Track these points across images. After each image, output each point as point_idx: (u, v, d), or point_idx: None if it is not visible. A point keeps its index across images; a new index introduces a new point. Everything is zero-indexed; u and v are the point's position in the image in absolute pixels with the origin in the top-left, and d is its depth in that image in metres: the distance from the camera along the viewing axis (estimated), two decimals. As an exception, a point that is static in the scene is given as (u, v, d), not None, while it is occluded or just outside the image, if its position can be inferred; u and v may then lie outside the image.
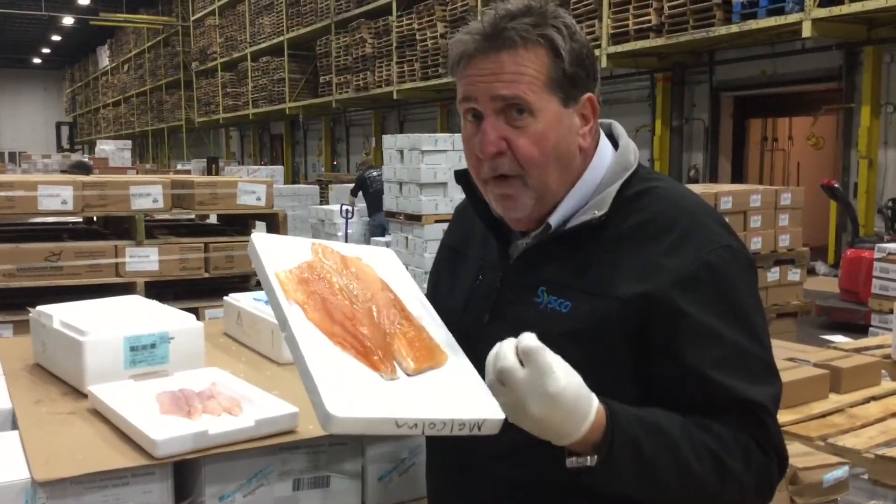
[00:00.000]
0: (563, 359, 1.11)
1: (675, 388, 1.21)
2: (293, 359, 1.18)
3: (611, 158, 1.35)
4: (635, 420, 1.15)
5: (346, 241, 11.65)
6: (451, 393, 1.19)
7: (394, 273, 1.47)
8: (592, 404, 1.11)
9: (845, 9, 8.82)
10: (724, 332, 1.21)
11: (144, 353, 1.65)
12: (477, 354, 1.32)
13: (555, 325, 1.25)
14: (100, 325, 1.66)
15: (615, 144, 1.38)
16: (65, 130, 41.26)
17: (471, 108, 1.30)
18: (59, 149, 35.69)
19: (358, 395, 1.12)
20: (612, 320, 1.22)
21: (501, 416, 1.15)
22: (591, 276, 1.26)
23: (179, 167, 23.65)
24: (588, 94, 1.30)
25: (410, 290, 1.44)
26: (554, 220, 1.31)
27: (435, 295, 1.53)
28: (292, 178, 23.96)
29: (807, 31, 9.14)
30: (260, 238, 1.40)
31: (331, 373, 1.14)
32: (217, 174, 17.44)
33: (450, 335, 1.35)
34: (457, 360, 1.29)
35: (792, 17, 9.30)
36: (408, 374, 1.23)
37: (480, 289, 1.40)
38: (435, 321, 1.38)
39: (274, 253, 1.37)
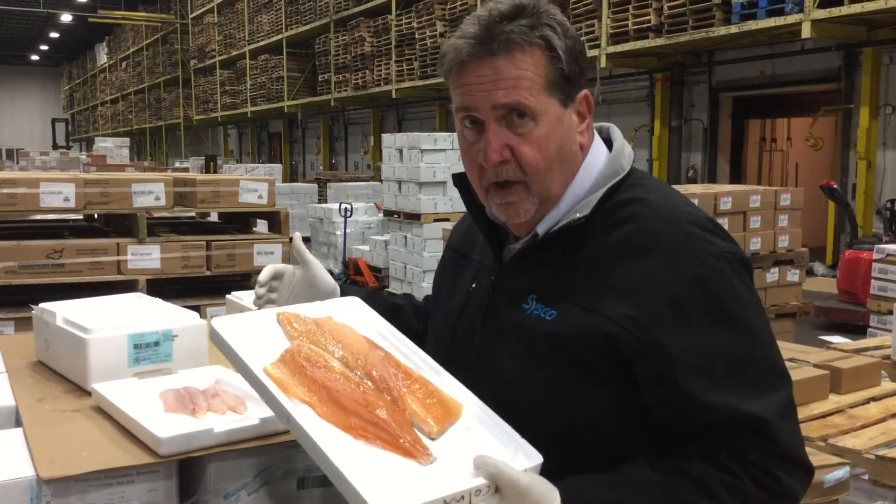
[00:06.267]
0: (544, 360, 1.17)
1: (671, 416, 1.20)
2: (317, 462, 1.14)
3: (603, 161, 1.33)
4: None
5: (345, 240, 11.62)
6: (482, 450, 1.14)
7: (370, 325, 1.43)
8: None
9: (845, 10, 8.81)
10: (721, 347, 1.19)
11: (148, 351, 1.64)
12: (470, 358, 1.34)
13: (538, 327, 1.26)
14: (103, 323, 1.65)
15: (610, 147, 1.37)
16: (60, 127, 41.12)
17: (469, 116, 1.27)
18: (55, 146, 35.59)
19: (398, 485, 1.09)
20: (595, 335, 1.21)
21: (539, 459, 1.15)
22: (578, 288, 1.25)
23: (177, 165, 23.62)
24: (584, 91, 1.29)
25: (394, 339, 1.40)
26: (541, 228, 1.31)
27: (438, 298, 1.54)
28: (290, 176, 23.92)
29: (806, 31, 9.14)
30: (222, 324, 1.35)
31: (363, 469, 1.10)
32: (215, 172, 17.42)
33: (452, 378, 1.30)
34: (469, 407, 1.25)
35: (791, 18, 9.29)
36: (432, 438, 1.19)
37: (476, 292, 1.40)
38: (432, 367, 1.33)
39: (244, 339, 1.32)
